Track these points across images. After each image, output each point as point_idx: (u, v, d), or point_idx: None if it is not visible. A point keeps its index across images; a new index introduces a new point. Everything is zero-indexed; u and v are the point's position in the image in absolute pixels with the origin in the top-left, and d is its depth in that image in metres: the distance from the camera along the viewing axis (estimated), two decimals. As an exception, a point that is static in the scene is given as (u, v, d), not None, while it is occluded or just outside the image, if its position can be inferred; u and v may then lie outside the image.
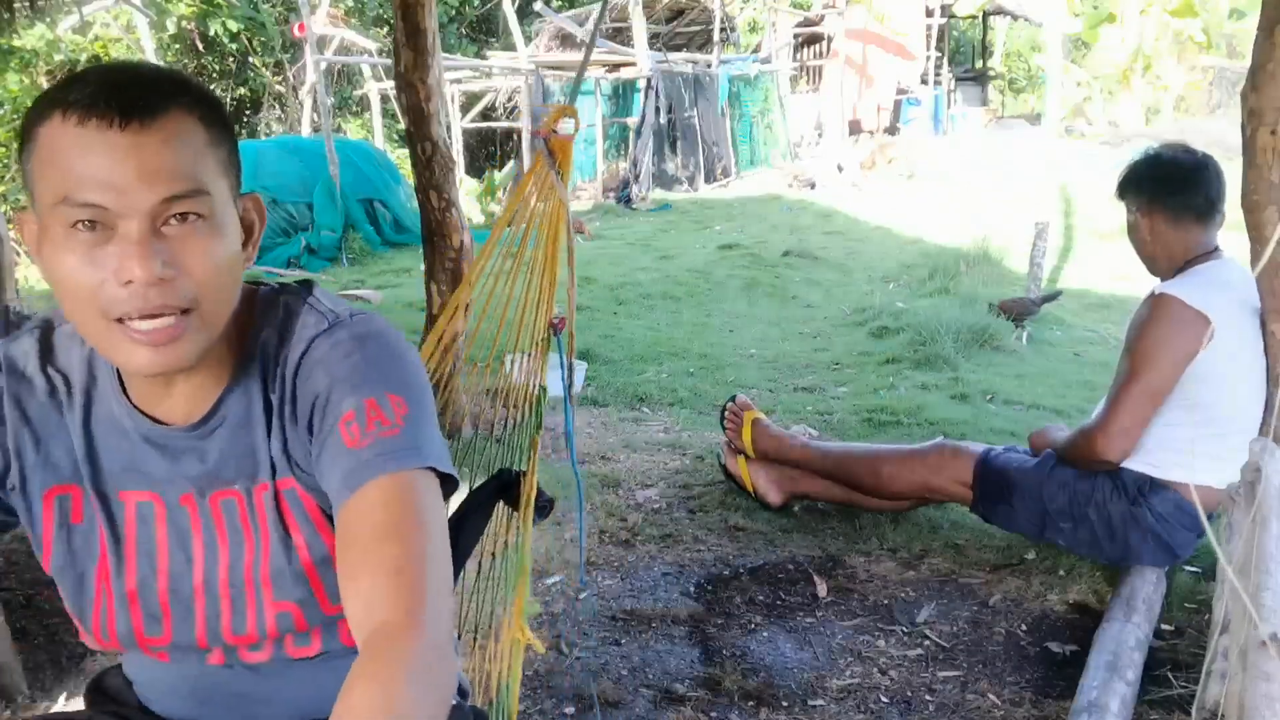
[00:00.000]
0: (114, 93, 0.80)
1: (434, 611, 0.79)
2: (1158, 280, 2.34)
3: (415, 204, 3.46)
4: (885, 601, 2.34)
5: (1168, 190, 2.28)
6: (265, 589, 0.94)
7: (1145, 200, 2.31)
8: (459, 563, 1.23)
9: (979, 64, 20.12)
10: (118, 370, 0.93)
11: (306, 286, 0.98)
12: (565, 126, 1.84)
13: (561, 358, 1.78)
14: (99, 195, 0.79)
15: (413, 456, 0.86)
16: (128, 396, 0.93)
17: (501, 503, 1.34)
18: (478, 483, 1.31)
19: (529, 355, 1.83)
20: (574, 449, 2.01)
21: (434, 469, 0.87)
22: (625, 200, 12.47)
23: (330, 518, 0.91)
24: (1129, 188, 2.36)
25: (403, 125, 3.52)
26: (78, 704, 1.95)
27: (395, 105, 3.96)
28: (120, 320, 0.82)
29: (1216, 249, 2.28)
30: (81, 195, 0.79)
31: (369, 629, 0.78)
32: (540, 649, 1.58)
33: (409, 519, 0.83)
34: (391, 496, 0.84)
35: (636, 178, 12.95)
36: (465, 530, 1.20)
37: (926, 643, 2.17)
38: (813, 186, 13.00)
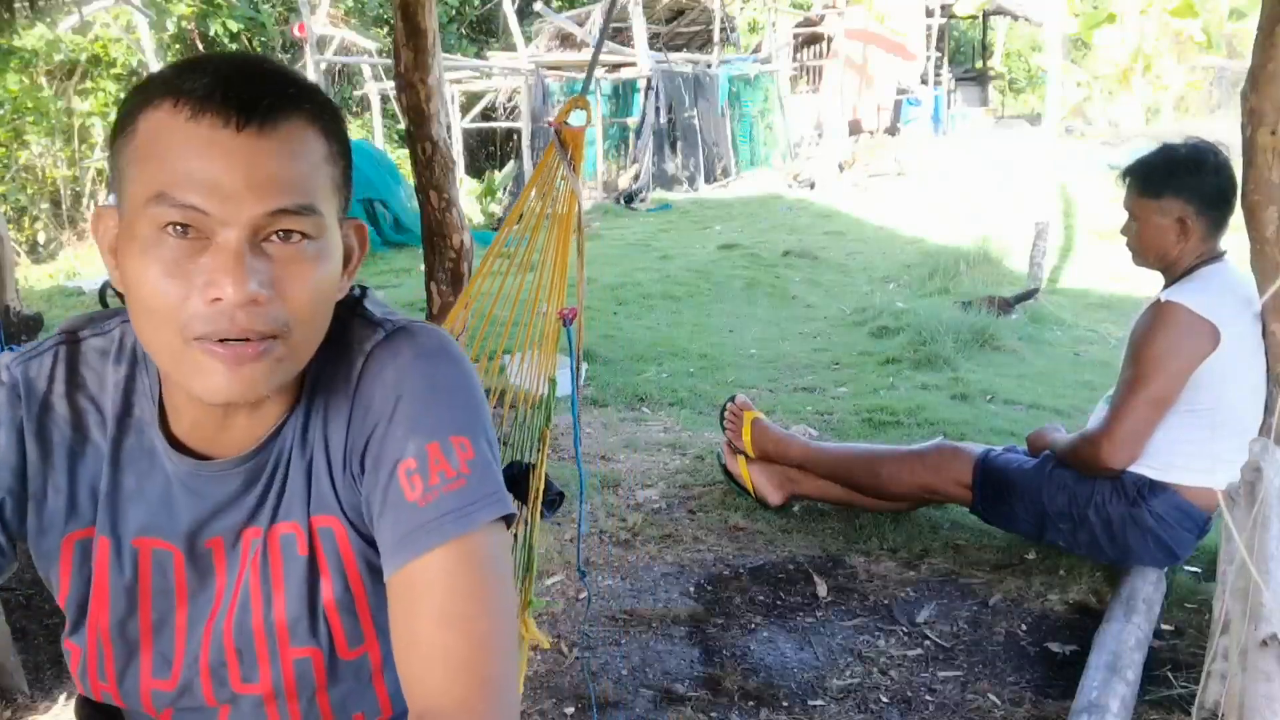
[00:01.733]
0: (235, 88, 0.72)
1: (500, 705, 0.75)
2: (1155, 275, 2.33)
3: (415, 204, 3.46)
4: (885, 601, 2.34)
5: (1221, 202, 2.20)
6: (281, 634, 0.86)
7: (1196, 208, 2.20)
8: None
9: (979, 64, 20.13)
10: (160, 401, 0.84)
11: (358, 294, 0.90)
12: (577, 118, 1.82)
13: (572, 350, 1.75)
14: (200, 198, 0.71)
15: (479, 512, 0.79)
16: (167, 432, 0.84)
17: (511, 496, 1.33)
18: None
19: (539, 347, 1.81)
20: (579, 442, 1.99)
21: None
22: (626, 200, 12.48)
23: (364, 559, 0.85)
24: (1175, 186, 2.22)
25: (403, 125, 3.53)
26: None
27: (395, 105, 3.96)
28: (199, 339, 0.73)
29: (1224, 253, 2.27)
30: (181, 195, 0.71)
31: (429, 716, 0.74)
32: (546, 645, 1.57)
33: (473, 598, 0.77)
34: (454, 567, 0.77)
35: (636, 177, 12.96)
36: None
37: (926, 643, 2.16)
38: (812, 186, 13.01)
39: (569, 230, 1.81)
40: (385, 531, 0.80)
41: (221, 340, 0.73)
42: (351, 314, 0.87)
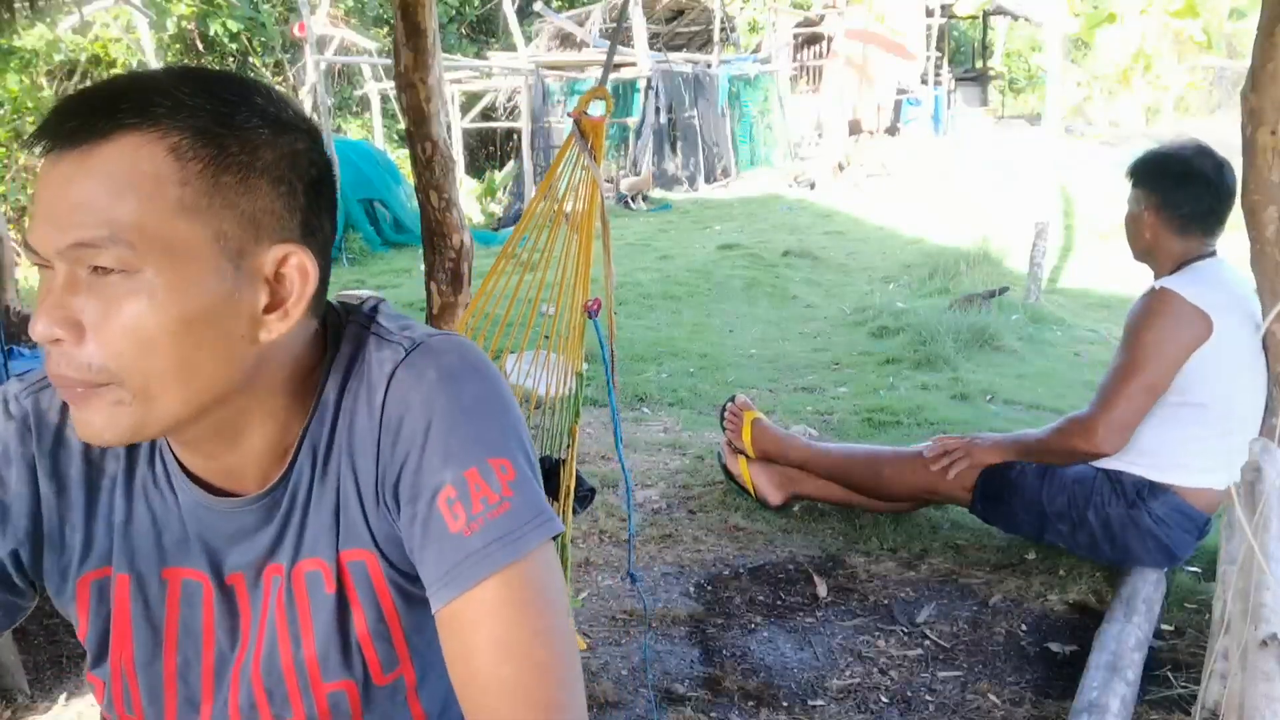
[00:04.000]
0: (62, 116, 0.66)
1: None
2: (1151, 272, 2.35)
3: (415, 204, 3.46)
4: (885, 601, 2.34)
5: (1183, 203, 2.23)
6: (312, 670, 0.82)
7: (1157, 202, 2.27)
8: None
9: (979, 64, 20.13)
10: None
11: (372, 308, 0.83)
12: (597, 108, 1.81)
13: (601, 341, 1.70)
14: (32, 235, 0.67)
15: (528, 536, 0.74)
16: (179, 461, 0.80)
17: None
18: None
19: (564, 341, 1.77)
20: (619, 434, 1.87)
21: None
22: (631, 199, 12.48)
23: (397, 588, 0.81)
24: (1144, 180, 2.31)
25: (403, 125, 3.53)
26: (77, 705, 1.95)
27: (395, 105, 3.95)
28: None
29: (1213, 252, 2.28)
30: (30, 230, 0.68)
31: None
32: (583, 646, 1.55)
33: (528, 626, 0.73)
34: (506, 597, 0.73)
35: (647, 178, 12.95)
36: None
37: (926, 643, 2.16)
38: (813, 186, 13.01)
39: (592, 221, 1.76)
40: (429, 565, 0.75)
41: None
42: (366, 332, 0.81)
